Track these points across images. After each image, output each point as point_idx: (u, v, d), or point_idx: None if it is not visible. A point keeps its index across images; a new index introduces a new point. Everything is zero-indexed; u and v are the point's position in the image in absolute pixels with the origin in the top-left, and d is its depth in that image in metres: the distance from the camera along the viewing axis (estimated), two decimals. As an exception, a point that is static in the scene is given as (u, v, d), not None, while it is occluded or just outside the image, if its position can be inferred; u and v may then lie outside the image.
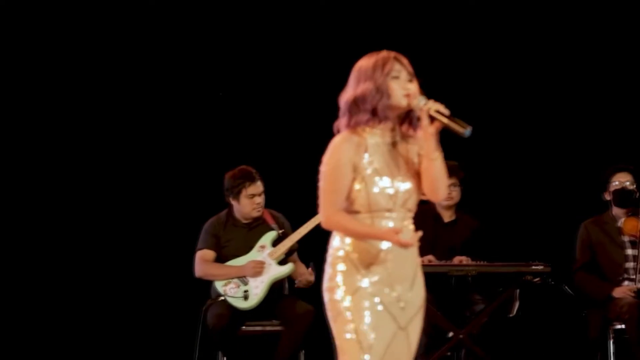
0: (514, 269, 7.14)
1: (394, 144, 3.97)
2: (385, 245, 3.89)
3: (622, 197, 7.13)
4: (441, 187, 3.97)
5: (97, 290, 8.07)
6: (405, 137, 4.00)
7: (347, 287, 3.87)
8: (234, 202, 7.05)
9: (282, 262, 7.00)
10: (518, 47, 8.28)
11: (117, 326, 8.05)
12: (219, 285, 6.95)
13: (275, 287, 6.99)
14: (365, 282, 3.87)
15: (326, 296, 3.93)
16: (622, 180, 7.16)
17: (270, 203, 7.08)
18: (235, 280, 6.94)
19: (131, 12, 8.12)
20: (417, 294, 3.97)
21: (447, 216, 7.41)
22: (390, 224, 3.90)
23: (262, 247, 7.02)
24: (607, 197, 7.23)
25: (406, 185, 3.93)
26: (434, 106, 3.87)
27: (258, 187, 6.99)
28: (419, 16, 8.24)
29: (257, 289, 6.93)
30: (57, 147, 8.14)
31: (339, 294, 3.88)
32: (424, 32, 8.19)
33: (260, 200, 7.00)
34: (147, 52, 8.18)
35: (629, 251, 7.13)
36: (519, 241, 7.90)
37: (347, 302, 3.86)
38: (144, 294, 8.04)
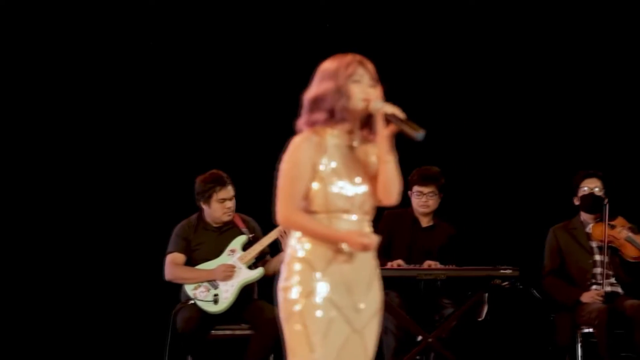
0: (483, 273, 7.17)
1: (353, 147, 3.99)
2: (343, 247, 3.90)
3: (590, 203, 7.18)
4: (394, 190, 3.98)
5: (67, 294, 8.04)
6: (365, 141, 4.02)
7: (302, 289, 3.87)
8: (204, 206, 7.05)
9: (252, 267, 7.01)
10: (490, 56, 8.31)
11: (88, 329, 8.02)
12: (188, 289, 6.94)
13: (245, 291, 6.98)
14: (320, 285, 3.87)
15: (280, 295, 3.93)
16: (590, 186, 7.20)
17: (241, 207, 7.08)
18: (205, 284, 6.93)
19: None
20: (373, 298, 3.98)
21: (425, 221, 7.43)
22: (347, 226, 3.91)
23: (233, 251, 7.02)
24: (577, 202, 7.28)
25: (364, 188, 3.95)
26: (389, 109, 3.90)
27: (229, 191, 6.99)
28: (387, 22, 8.27)
29: (227, 292, 6.93)
30: (24, 150, 8.12)
31: (293, 294, 3.88)
32: (399, 40, 8.22)
33: (230, 204, 7.00)
34: (116, 56, 8.15)
35: (597, 257, 7.18)
36: (487, 245, 7.92)
37: (300, 304, 3.86)
38: (114, 298, 8.01)
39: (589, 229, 7.22)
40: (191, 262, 7.01)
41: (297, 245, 3.94)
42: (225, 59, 8.17)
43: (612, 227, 7.15)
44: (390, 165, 3.93)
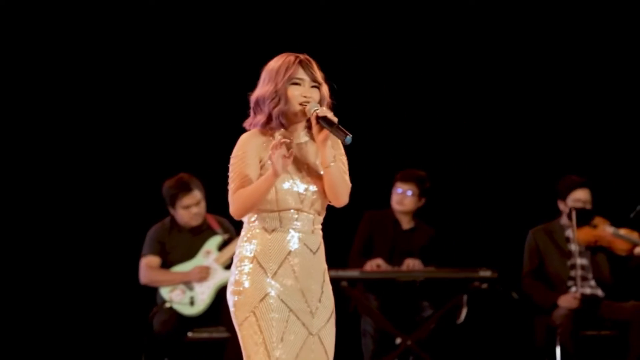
0: (462, 275, 7.16)
1: (302, 146, 3.95)
2: (293, 246, 3.86)
3: (583, 216, 7.15)
4: (340, 193, 3.91)
5: (43, 298, 7.98)
6: (313, 140, 3.97)
7: (254, 293, 3.83)
8: (172, 211, 7.02)
9: (228, 267, 6.96)
10: (472, 58, 8.30)
11: (64, 332, 7.96)
12: (164, 292, 6.90)
13: (222, 293, 6.92)
14: (273, 288, 3.83)
15: (231, 299, 3.87)
16: (582, 198, 7.15)
17: (214, 208, 7.02)
18: (181, 286, 6.89)
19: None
20: (326, 300, 3.93)
21: (406, 222, 7.41)
22: (299, 224, 3.87)
23: (208, 252, 6.98)
24: (562, 207, 7.23)
25: (314, 187, 3.91)
26: (321, 113, 3.84)
27: (193, 197, 6.94)
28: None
29: (204, 294, 6.89)
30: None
31: (245, 299, 3.83)
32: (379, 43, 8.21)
33: (196, 210, 6.95)
34: (89, 64, 8.11)
35: (577, 260, 7.16)
36: (466, 247, 7.92)
37: (252, 309, 3.81)
38: (89, 301, 7.96)
39: (569, 232, 7.20)
40: (166, 264, 6.97)
41: (245, 246, 3.89)
42: (199, 61, 8.13)
43: (595, 226, 7.14)
44: (332, 169, 3.88)
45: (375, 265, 7.15)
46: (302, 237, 3.89)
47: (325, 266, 3.97)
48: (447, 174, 8.21)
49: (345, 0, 8.18)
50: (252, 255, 3.86)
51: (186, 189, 6.92)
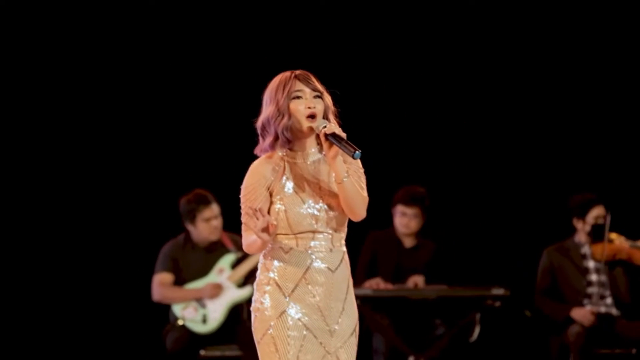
0: (475, 293, 7.14)
1: (311, 164, 3.93)
2: (310, 265, 3.86)
3: (600, 233, 7.14)
4: (357, 207, 3.89)
5: (56, 314, 7.98)
6: (322, 155, 3.96)
7: (272, 312, 3.85)
8: (190, 227, 7.02)
9: (241, 285, 6.97)
10: (480, 73, 8.29)
11: (77, 350, 7.96)
12: (177, 309, 6.90)
13: (235, 312, 6.94)
14: (291, 306, 3.85)
15: (252, 317, 3.91)
16: (600, 215, 7.16)
17: (228, 225, 7.03)
18: (194, 304, 6.89)
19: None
20: (347, 319, 3.93)
21: (409, 242, 7.41)
22: (316, 244, 3.87)
23: (221, 270, 6.98)
24: (580, 224, 7.23)
25: (328, 206, 3.90)
26: (329, 130, 3.84)
27: (213, 210, 6.96)
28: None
29: (216, 312, 6.89)
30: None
31: (265, 315, 3.86)
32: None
33: (216, 223, 6.96)
34: (102, 77, 8.13)
35: (593, 277, 7.15)
36: (479, 265, 7.90)
37: (272, 324, 3.83)
38: (103, 318, 7.96)
39: (585, 249, 7.19)
40: (179, 282, 6.98)
41: (265, 265, 3.91)
42: (212, 79, 8.14)
43: (611, 241, 7.14)
44: (346, 184, 3.86)
45: (374, 284, 7.14)
46: (320, 256, 3.89)
47: (350, 282, 3.96)
48: (461, 192, 8.20)
49: (344, 18, 8.19)
50: (270, 274, 3.88)
51: (206, 202, 6.94)
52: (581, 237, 7.23)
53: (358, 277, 7.23)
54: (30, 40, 8.01)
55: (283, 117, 3.86)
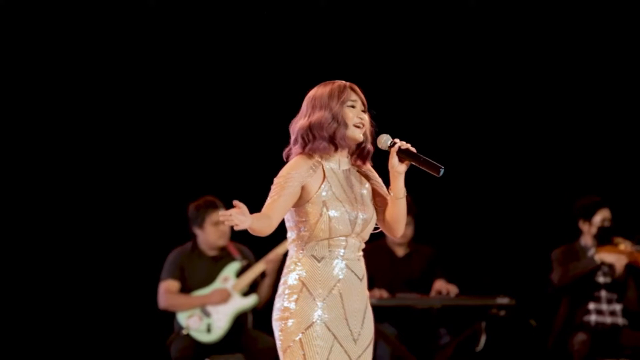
0: (479, 302, 7.14)
1: (347, 172, 3.97)
2: (341, 273, 3.88)
3: (607, 235, 7.16)
4: (401, 228, 4.01)
5: (60, 321, 7.97)
6: (354, 166, 4.02)
7: (301, 320, 3.84)
8: (198, 232, 7.01)
9: (245, 294, 6.96)
10: (479, 73, 8.29)
11: (81, 358, 7.94)
12: (182, 318, 6.90)
13: (239, 321, 6.93)
14: (319, 315, 3.84)
15: (277, 325, 3.88)
16: (606, 217, 7.19)
17: (234, 235, 7.03)
18: (198, 313, 6.88)
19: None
20: (368, 327, 3.95)
21: (401, 251, 7.43)
22: (346, 252, 3.89)
23: (226, 278, 6.98)
24: (586, 227, 7.24)
25: (363, 215, 3.93)
26: (404, 146, 3.90)
27: None
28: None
29: (220, 321, 6.88)
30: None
31: (291, 326, 3.84)
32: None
33: (224, 228, 6.97)
34: (110, 80, 8.13)
35: (601, 279, 7.16)
36: (483, 274, 7.89)
37: (299, 335, 3.82)
38: (108, 327, 7.95)
39: (591, 252, 7.19)
40: (185, 289, 6.97)
41: (293, 274, 3.90)
42: (220, 83, 8.14)
43: (616, 245, 7.16)
44: (403, 201, 3.94)
45: (378, 296, 7.14)
46: (349, 264, 3.92)
47: (368, 293, 4.00)
48: (461, 199, 8.20)
49: (343, 18, 8.19)
50: (299, 282, 3.87)
51: (215, 207, 6.95)
52: (587, 240, 7.26)
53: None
54: (46, 43, 8.02)
55: (339, 124, 3.88)
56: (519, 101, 8.29)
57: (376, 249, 7.40)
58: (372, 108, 4.01)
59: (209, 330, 6.88)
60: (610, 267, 7.12)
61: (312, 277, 3.87)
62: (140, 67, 8.09)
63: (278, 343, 3.87)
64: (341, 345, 3.85)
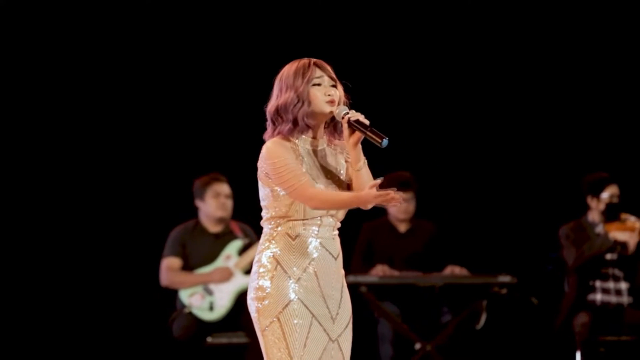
0: (481, 280, 7.15)
1: (321, 151, 3.92)
2: (315, 252, 3.84)
3: (614, 211, 7.16)
4: None
5: (61, 301, 8.00)
6: (329, 145, 3.96)
7: (277, 299, 3.80)
8: (200, 204, 7.03)
9: (247, 272, 6.97)
10: (483, 53, 8.29)
11: (83, 336, 7.98)
12: (184, 296, 6.91)
13: (241, 298, 6.95)
14: (296, 293, 3.81)
15: (253, 305, 3.84)
16: (614, 193, 7.19)
17: (238, 214, 7.05)
18: (201, 291, 6.90)
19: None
20: (345, 307, 3.92)
21: (403, 227, 7.43)
22: (321, 230, 3.85)
23: (228, 256, 6.99)
24: (594, 203, 7.24)
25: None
26: (353, 116, 3.82)
27: (224, 187, 6.99)
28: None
29: (223, 300, 6.90)
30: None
31: (268, 305, 3.81)
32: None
33: (225, 200, 6.98)
34: (114, 61, 8.14)
35: (609, 256, 7.16)
36: (484, 252, 7.90)
37: (276, 315, 3.79)
38: (109, 305, 7.97)
39: (599, 229, 7.18)
40: (186, 267, 6.98)
41: (267, 252, 3.85)
42: (223, 65, 8.15)
43: (623, 221, 7.16)
44: (363, 172, 3.87)
45: (381, 272, 7.15)
46: (324, 242, 3.88)
47: (343, 272, 3.97)
48: (466, 178, 8.20)
49: (341, 16, 8.20)
50: (273, 260, 3.83)
51: (217, 179, 6.99)
52: (594, 216, 7.25)
53: (355, 266, 7.25)
54: (39, 40, 8.04)
55: (303, 103, 3.84)
56: (525, 77, 8.29)
57: (378, 225, 7.41)
58: (370, 104, 3.99)
59: (211, 308, 6.89)
60: (623, 245, 7.12)
61: (286, 254, 3.82)
62: (144, 54, 8.11)
63: (256, 324, 3.83)
64: (320, 324, 3.82)
